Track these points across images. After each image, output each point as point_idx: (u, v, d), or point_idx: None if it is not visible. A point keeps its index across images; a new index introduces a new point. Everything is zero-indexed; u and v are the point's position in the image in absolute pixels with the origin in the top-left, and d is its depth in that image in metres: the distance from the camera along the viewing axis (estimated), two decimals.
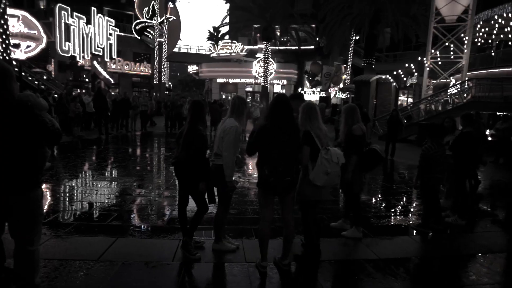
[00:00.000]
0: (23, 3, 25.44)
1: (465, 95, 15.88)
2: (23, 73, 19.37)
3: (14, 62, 18.51)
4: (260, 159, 3.34)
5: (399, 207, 6.28)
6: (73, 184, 6.69)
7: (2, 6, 12.13)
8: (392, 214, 5.79)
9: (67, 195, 6.03)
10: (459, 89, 16.09)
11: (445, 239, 4.74)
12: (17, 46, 20.38)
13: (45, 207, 5.11)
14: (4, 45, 12.19)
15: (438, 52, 17.42)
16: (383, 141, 12.19)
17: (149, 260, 3.53)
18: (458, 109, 15.65)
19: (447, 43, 17.19)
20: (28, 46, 21.09)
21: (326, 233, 4.44)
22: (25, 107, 2.30)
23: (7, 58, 12.06)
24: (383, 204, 6.43)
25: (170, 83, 38.91)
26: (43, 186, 6.19)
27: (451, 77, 17.59)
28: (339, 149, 3.72)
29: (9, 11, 19.70)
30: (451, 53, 17.24)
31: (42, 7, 28.69)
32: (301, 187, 3.56)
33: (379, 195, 7.12)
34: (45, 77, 22.65)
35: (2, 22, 12.10)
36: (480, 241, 4.58)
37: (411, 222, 5.30)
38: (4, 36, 12.17)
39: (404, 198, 6.93)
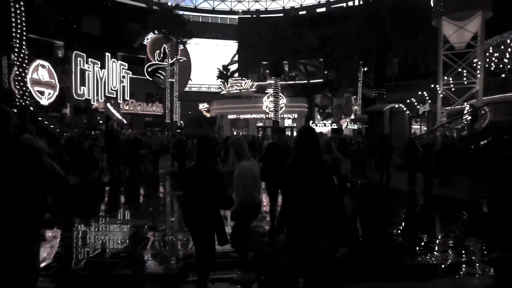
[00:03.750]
0: (43, 53, 26.62)
1: (482, 120, 15.46)
2: (39, 118, 19.93)
3: (31, 108, 19.18)
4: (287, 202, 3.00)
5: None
6: (82, 229, 6.41)
7: (22, 55, 12.57)
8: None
9: (74, 240, 5.75)
10: (473, 115, 15.71)
11: None
12: (42, 93, 21.29)
13: (51, 254, 4.83)
14: (22, 91, 12.52)
15: (450, 79, 17.22)
16: (401, 171, 11.73)
17: None
18: (477, 134, 15.21)
19: (459, 69, 17.01)
20: (49, 93, 22.00)
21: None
22: (28, 149, 2.10)
23: (23, 103, 12.33)
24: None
25: (182, 122, 39.43)
26: (49, 231, 5.96)
27: (465, 103, 17.25)
28: None
29: (41, 61, 20.83)
30: (464, 78, 17.01)
31: (60, 55, 30.02)
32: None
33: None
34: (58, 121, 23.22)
35: (21, 70, 12.50)
36: None
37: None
38: (21, 83, 12.52)
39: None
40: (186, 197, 3.40)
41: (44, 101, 21.26)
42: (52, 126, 21.40)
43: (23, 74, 12.58)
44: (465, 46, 17.06)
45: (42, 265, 4.50)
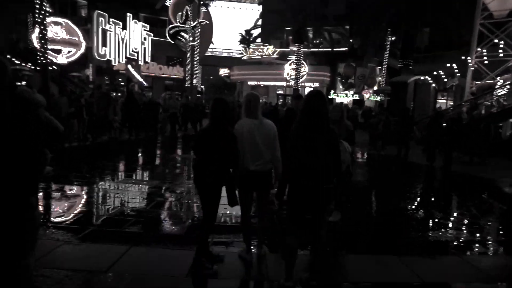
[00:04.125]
0: (67, 11, 26.56)
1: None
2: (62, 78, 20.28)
3: (55, 67, 19.41)
4: (291, 166, 2.96)
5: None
6: (94, 187, 6.60)
7: (43, 13, 12.55)
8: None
9: (85, 197, 5.93)
10: (507, 90, 14.81)
11: None
12: (58, 51, 21.42)
13: (61, 209, 5.01)
14: (43, 50, 12.60)
15: (485, 51, 16.15)
16: (422, 145, 11.39)
17: (163, 272, 3.25)
18: (506, 112, 14.41)
19: (495, 40, 15.90)
20: (69, 51, 22.18)
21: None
22: (24, 101, 2.07)
23: (44, 61, 12.44)
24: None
25: (202, 87, 39.29)
26: (66, 185, 6.16)
27: (498, 78, 16.26)
28: None
29: (53, 18, 20.84)
30: (500, 51, 15.92)
31: (83, 14, 29.91)
32: None
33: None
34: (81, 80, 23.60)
35: (41, 28, 12.51)
36: None
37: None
38: (43, 41, 12.58)
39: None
40: (197, 157, 3.43)
41: (62, 59, 21.26)
42: (73, 86, 21.85)
43: (44, 32, 12.59)
44: (506, 14, 15.78)
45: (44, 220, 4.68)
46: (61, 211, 4.97)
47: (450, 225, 5.43)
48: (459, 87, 19.12)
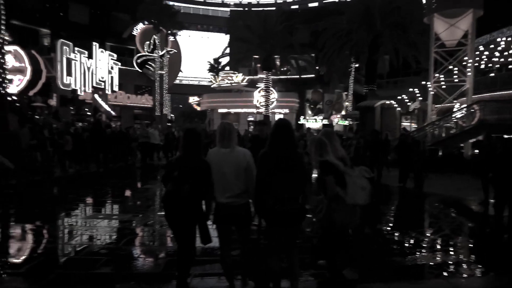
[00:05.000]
0: (28, 41, 25.75)
1: (473, 118, 15.53)
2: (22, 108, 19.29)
3: (15, 97, 18.50)
4: (261, 188, 3.04)
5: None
6: (59, 224, 6.14)
7: (1, 41, 12.03)
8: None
9: (48, 236, 5.46)
10: (464, 112, 15.75)
11: None
12: (10, 81, 20.28)
13: (24, 251, 4.57)
14: (1, 79, 11.99)
15: (441, 76, 17.24)
16: (394, 168, 11.68)
17: None
18: (466, 133, 15.29)
19: (450, 67, 17.05)
20: (18, 79, 20.90)
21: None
22: None
23: (2, 91, 11.80)
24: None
25: (172, 115, 38.93)
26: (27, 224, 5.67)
27: (455, 101, 17.30)
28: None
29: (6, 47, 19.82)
30: (455, 76, 17.06)
31: (46, 44, 29.16)
32: (331, 216, 3.45)
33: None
34: (46, 111, 22.57)
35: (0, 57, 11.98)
36: None
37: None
38: (1, 70, 11.99)
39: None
40: (167, 189, 3.27)
41: (13, 89, 19.92)
42: (37, 117, 20.85)
43: (1, 61, 12.04)
44: (456, 44, 17.09)
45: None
46: (19, 254, 4.52)
47: (429, 247, 5.47)
48: (421, 110, 20.14)
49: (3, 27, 11.66)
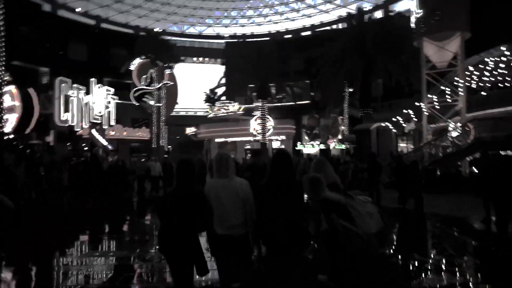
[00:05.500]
0: (27, 81, 26.10)
1: (468, 136, 15.62)
2: (20, 146, 19.34)
3: (11, 136, 18.60)
4: (261, 216, 3.12)
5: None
6: (53, 262, 5.96)
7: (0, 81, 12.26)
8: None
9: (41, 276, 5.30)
10: (460, 131, 15.88)
11: None
12: (5, 121, 20.22)
13: None
14: None
15: (434, 97, 17.51)
16: (391, 189, 11.59)
17: None
18: (463, 151, 15.33)
19: (442, 88, 17.37)
20: (12, 118, 20.78)
21: None
22: None
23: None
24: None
25: (169, 147, 38.98)
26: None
27: (449, 120, 17.49)
28: None
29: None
30: (447, 96, 17.33)
31: (44, 82, 29.61)
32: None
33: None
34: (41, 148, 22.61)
35: None
36: None
37: None
38: None
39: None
40: (162, 223, 3.19)
41: (8, 128, 19.78)
42: (35, 155, 20.80)
43: (0, 101, 12.21)
44: (446, 65, 17.48)
45: None
46: None
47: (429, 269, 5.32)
48: (416, 131, 20.29)
49: (3, 69, 11.95)
